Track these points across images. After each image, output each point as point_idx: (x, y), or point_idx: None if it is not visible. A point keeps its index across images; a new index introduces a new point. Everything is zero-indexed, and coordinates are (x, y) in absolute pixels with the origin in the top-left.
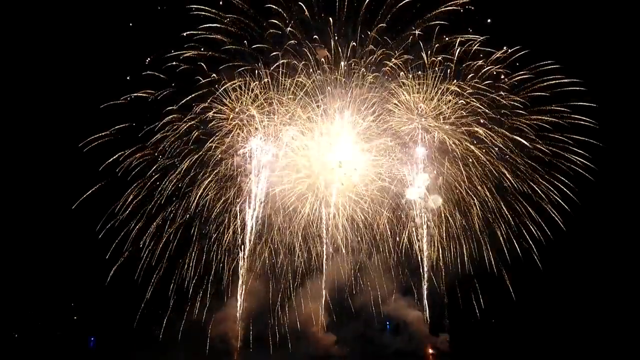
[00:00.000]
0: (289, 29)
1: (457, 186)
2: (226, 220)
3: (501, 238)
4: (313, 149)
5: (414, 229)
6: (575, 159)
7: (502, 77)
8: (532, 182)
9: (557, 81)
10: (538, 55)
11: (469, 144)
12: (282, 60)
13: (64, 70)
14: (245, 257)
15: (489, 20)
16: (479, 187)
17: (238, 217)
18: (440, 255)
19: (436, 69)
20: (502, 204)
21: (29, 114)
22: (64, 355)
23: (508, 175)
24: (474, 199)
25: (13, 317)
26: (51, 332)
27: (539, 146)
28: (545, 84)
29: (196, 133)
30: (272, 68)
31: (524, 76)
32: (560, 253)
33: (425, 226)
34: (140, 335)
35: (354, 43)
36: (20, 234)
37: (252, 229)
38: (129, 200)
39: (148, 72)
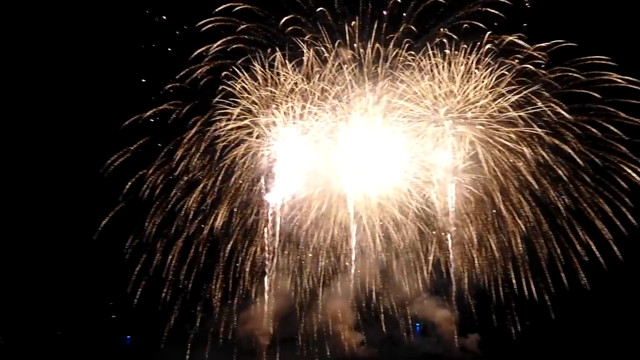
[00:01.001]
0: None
1: (489, 192)
2: (254, 224)
3: (541, 255)
4: (338, 153)
5: (442, 231)
6: (633, 168)
7: (541, 73)
8: (578, 196)
9: (608, 77)
10: (586, 51)
11: (502, 148)
12: (306, 66)
13: (81, 90)
14: (273, 258)
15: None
16: (513, 196)
17: (266, 220)
18: (471, 260)
19: (462, 67)
20: (542, 219)
21: (53, 134)
22: (101, 353)
23: (546, 183)
24: (510, 209)
25: (55, 317)
26: (90, 330)
27: (585, 152)
28: (594, 79)
29: (221, 144)
30: (295, 73)
31: (569, 73)
32: (611, 277)
33: (452, 227)
34: (173, 334)
35: (379, 45)
36: (60, 240)
37: (279, 231)
38: (160, 210)
39: (170, 86)
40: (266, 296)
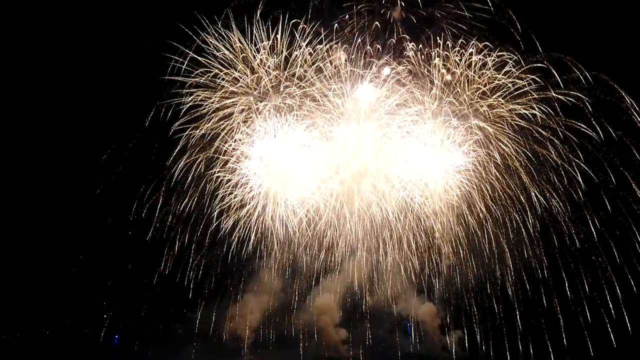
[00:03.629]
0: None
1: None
2: (246, 223)
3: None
4: (335, 154)
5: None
6: None
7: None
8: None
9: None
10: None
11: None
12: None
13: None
14: (262, 257)
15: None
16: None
17: (258, 218)
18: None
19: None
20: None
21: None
22: (90, 352)
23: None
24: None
25: (44, 316)
26: (78, 329)
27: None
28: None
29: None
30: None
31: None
32: None
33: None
34: (161, 333)
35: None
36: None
37: (271, 231)
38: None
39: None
40: (254, 294)
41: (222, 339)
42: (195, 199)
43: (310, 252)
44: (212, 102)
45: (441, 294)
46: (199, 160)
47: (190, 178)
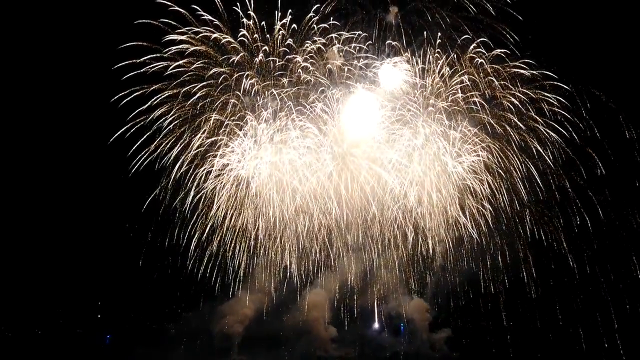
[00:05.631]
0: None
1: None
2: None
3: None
4: (329, 160)
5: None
6: None
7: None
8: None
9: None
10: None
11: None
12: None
13: None
14: (255, 256)
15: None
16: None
17: (253, 217)
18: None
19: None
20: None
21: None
22: (81, 352)
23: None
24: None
25: (36, 316)
26: (70, 329)
27: None
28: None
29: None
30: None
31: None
32: None
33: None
34: (154, 332)
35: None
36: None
37: (265, 230)
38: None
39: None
40: (245, 293)
41: (211, 339)
42: (190, 205)
43: (303, 253)
44: (208, 111)
45: (431, 292)
46: (191, 169)
47: (183, 184)
